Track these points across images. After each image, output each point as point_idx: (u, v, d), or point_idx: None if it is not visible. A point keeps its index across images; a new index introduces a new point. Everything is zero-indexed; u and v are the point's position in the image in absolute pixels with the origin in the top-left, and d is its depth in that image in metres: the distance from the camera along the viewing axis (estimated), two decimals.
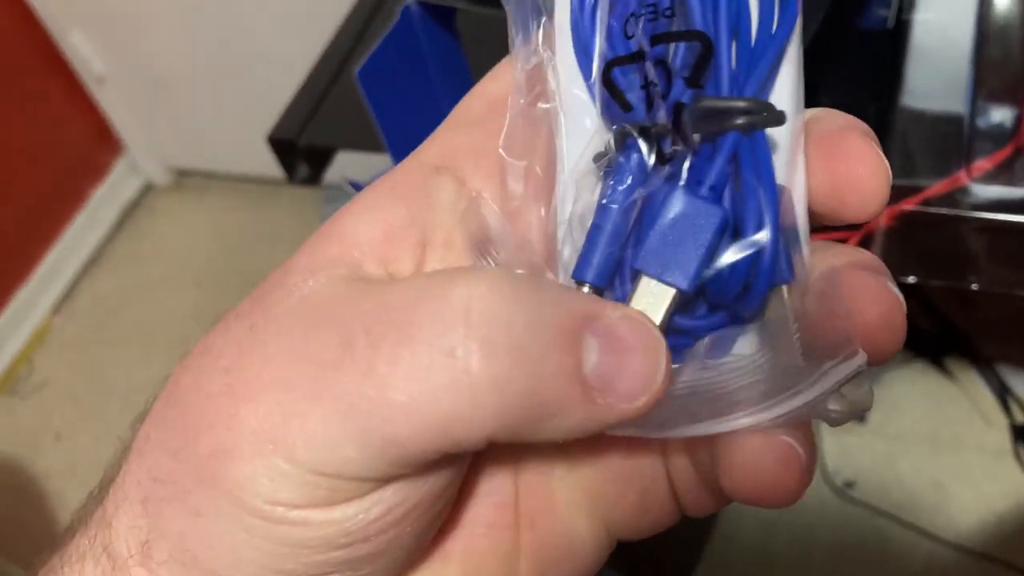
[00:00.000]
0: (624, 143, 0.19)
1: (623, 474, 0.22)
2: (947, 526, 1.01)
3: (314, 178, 0.58)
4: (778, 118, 0.18)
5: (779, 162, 0.19)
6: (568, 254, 0.20)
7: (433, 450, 0.17)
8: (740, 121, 0.18)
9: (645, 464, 0.22)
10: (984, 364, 1.08)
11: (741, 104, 0.18)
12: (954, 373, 1.10)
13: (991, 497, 1.02)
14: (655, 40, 0.19)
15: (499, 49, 0.22)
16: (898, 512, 1.02)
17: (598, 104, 0.20)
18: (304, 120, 0.57)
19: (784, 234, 0.19)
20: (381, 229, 0.20)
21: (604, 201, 0.19)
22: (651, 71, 0.19)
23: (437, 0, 0.47)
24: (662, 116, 0.19)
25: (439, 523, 0.20)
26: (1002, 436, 1.05)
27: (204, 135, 1.63)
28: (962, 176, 0.42)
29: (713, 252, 0.18)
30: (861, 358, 0.18)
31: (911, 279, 0.45)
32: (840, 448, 1.08)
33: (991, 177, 0.42)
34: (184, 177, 1.75)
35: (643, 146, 0.19)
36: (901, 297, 0.18)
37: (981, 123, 0.44)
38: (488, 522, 0.21)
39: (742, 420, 0.18)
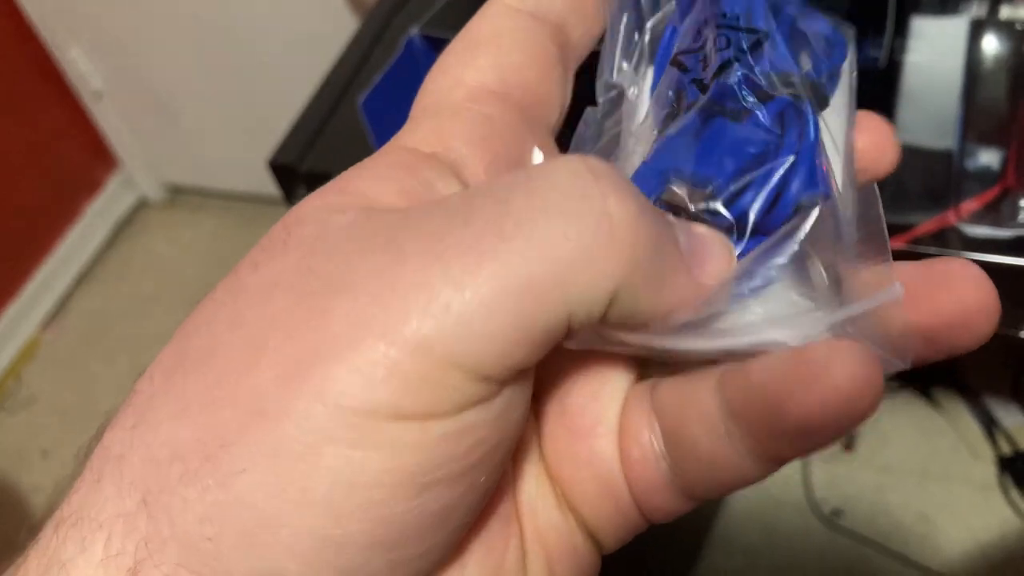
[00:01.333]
0: (677, 97, 0.21)
1: (580, 458, 0.20)
2: (933, 556, 1.01)
3: None
4: (824, 100, 0.20)
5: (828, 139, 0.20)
6: None
7: (575, 301, 0.16)
8: (791, 90, 0.20)
9: (600, 448, 0.20)
10: (971, 396, 1.09)
11: (794, 78, 0.20)
12: (942, 404, 1.11)
13: (977, 528, 1.03)
14: (720, 29, 0.21)
15: None
16: (884, 541, 1.02)
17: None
18: (305, 146, 0.58)
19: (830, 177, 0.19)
20: (396, 188, 0.18)
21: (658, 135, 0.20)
22: (711, 47, 0.21)
23: (439, 33, 0.47)
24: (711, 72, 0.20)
25: (497, 479, 0.18)
26: (988, 468, 1.06)
27: (199, 152, 1.64)
28: (950, 216, 0.43)
29: (752, 166, 0.19)
30: (898, 290, 0.17)
31: None
32: (828, 477, 1.08)
33: (978, 217, 0.43)
34: (178, 194, 1.75)
35: (695, 88, 0.20)
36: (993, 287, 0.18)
37: (969, 164, 0.45)
38: (499, 513, 0.19)
39: (771, 334, 0.18)
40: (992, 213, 0.43)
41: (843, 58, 0.22)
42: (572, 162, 0.16)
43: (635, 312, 0.17)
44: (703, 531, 1.05)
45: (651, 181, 0.20)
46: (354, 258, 0.16)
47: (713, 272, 0.18)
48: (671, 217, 0.19)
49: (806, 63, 0.21)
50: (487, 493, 0.17)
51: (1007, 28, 0.49)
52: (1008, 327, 0.43)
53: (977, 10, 0.51)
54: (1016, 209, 0.42)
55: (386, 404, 0.15)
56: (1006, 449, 1.05)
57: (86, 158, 1.67)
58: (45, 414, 1.46)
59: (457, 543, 0.18)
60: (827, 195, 0.19)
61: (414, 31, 0.48)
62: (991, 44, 0.49)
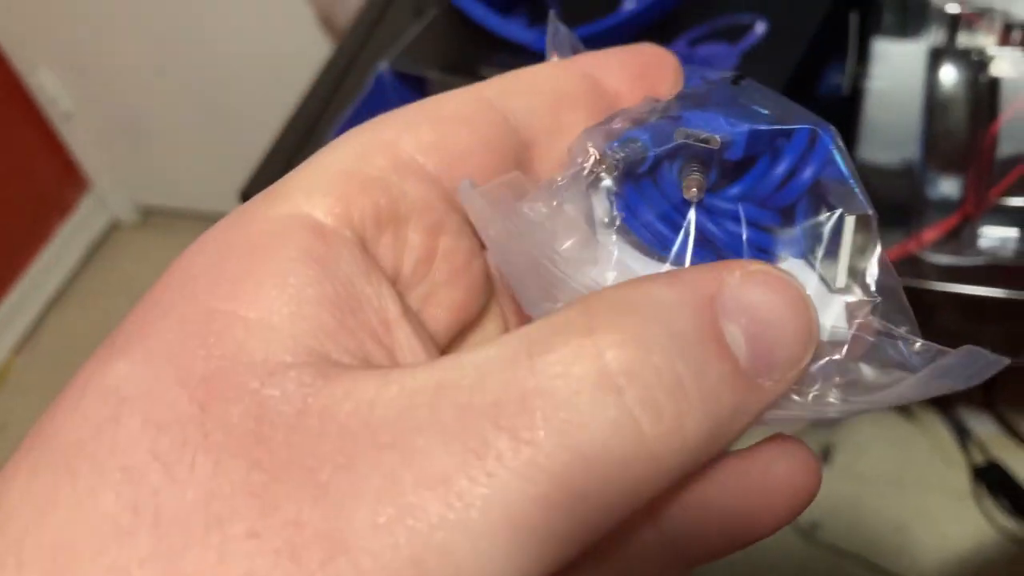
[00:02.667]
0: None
1: None
2: (910, 567, 1.02)
3: None
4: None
5: None
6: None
7: (613, 526, 0.14)
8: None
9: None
10: (944, 406, 1.10)
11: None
12: (915, 415, 1.12)
13: (951, 538, 1.04)
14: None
15: None
16: (862, 553, 1.03)
17: None
18: (276, 178, 0.58)
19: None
20: (320, 297, 0.15)
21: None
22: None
23: (408, 69, 0.48)
24: None
25: None
26: (961, 477, 1.07)
27: (172, 172, 1.63)
28: (912, 245, 0.44)
29: (766, 137, 0.18)
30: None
31: None
32: None
33: (940, 246, 0.44)
34: (151, 215, 1.74)
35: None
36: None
37: (930, 192, 0.46)
38: None
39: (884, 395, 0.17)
40: (953, 241, 0.43)
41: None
42: (583, 372, 0.14)
43: (705, 463, 0.15)
44: None
45: (661, 128, 0.18)
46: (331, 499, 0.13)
47: (789, 357, 0.15)
48: (725, 321, 0.15)
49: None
50: None
51: (964, 57, 0.50)
52: None
53: (935, 37, 0.52)
54: (975, 236, 0.43)
55: None
56: (979, 458, 1.07)
57: (57, 180, 1.65)
58: (17, 441, 1.43)
59: None
60: (847, 182, 0.18)
61: (383, 66, 0.48)
62: (949, 73, 0.50)
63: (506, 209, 0.17)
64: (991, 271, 0.42)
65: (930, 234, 0.44)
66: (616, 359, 0.14)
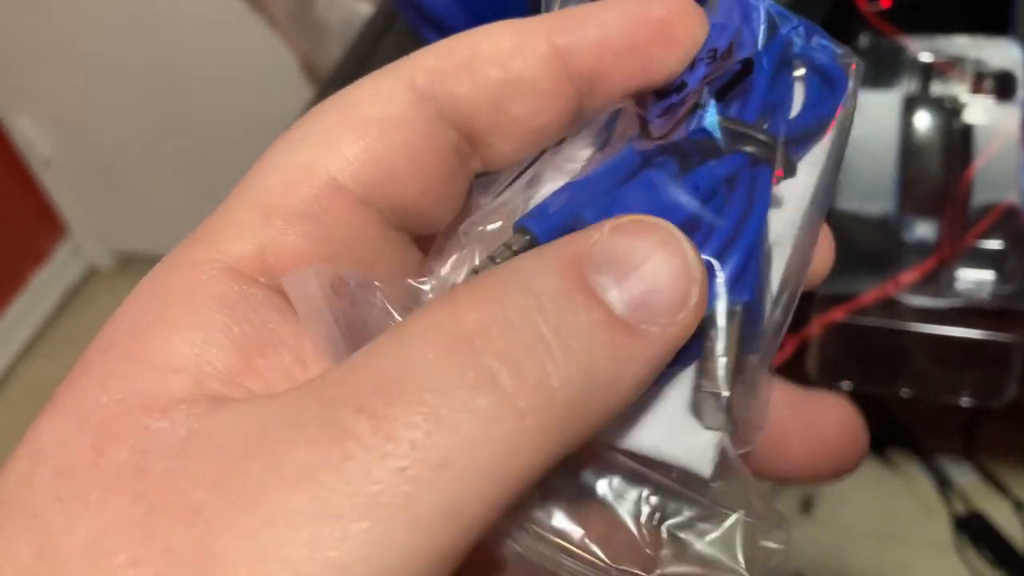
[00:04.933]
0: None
1: None
2: None
3: None
4: (790, 167, 0.18)
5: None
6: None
7: (500, 502, 0.13)
8: (751, 149, 0.17)
9: None
10: (925, 456, 1.10)
11: (760, 135, 0.17)
12: (897, 465, 1.12)
13: None
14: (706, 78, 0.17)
15: None
16: None
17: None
18: None
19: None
20: (228, 340, 0.15)
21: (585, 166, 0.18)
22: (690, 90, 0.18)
23: None
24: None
25: None
26: (944, 528, 1.07)
27: (150, 219, 1.63)
28: (890, 287, 0.44)
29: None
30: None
31: (845, 385, 0.46)
32: None
33: (917, 288, 0.44)
34: (129, 262, 1.73)
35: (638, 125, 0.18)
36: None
37: (907, 236, 0.47)
38: None
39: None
40: (931, 284, 0.44)
41: (834, 108, 0.19)
42: (439, 339, 0.13)
43: (595, 432, 0.14)
44: None
45: (554, 219, 0.17)
46: (207, 523, 0.13)
47: (673, 299, 0.14)
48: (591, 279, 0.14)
49: (783, 113, 0.18)
50: None
51: (937, 105, 0.51)
52: (948, 395, 0.44)
53: (910, 86, 0.53)
54: (952, 279, 0.44)
55: None
56: (960, 509, 1.06)
57: (33, 226, 1.64)
58: None
59: None
60: (750, 303, 0.17)
61: None
62: (923, 120, 0.51)
63: (357, 293, 0.16)
64: (967, 313, 0.43)
65: (907, 277, 0.44)
66: (473, 320, 0.14)
